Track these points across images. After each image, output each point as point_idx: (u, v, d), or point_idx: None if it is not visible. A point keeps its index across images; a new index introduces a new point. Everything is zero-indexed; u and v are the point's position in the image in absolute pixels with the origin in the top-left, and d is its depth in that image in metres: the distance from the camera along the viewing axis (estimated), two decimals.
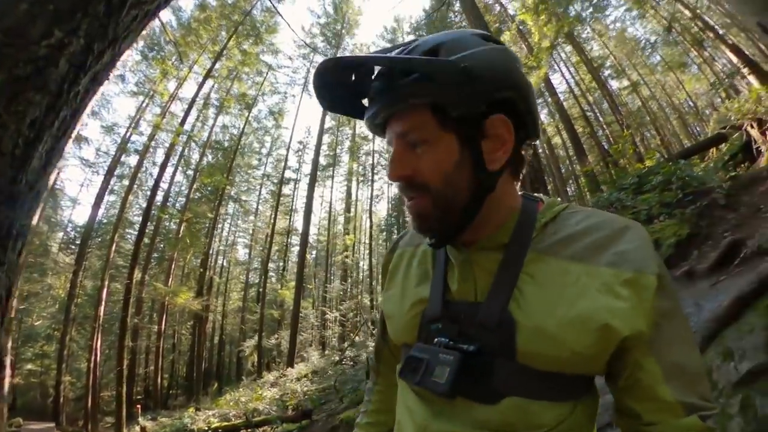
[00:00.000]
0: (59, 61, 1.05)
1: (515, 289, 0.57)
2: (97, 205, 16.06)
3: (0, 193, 0.98)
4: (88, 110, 1.28)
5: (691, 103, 23.25)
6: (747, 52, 8.09)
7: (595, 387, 0.62)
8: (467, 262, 0.62)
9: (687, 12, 15.73)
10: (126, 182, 18.59)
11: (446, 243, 0.62)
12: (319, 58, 25.12)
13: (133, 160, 18.72)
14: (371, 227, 29.95)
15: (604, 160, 16.45)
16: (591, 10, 18.34)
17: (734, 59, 14.52)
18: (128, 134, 17.92)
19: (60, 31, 1.04)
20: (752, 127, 7.62)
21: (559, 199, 0.72)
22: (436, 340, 0.59)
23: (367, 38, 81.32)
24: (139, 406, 13.93)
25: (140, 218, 16.75)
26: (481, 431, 0.56)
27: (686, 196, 4.55)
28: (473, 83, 0.53)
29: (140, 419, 12.00)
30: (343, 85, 0.62)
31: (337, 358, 14.19)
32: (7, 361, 1.31)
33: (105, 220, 21.25)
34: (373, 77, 0.61)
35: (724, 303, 2.25)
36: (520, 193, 0.65)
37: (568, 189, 22.74)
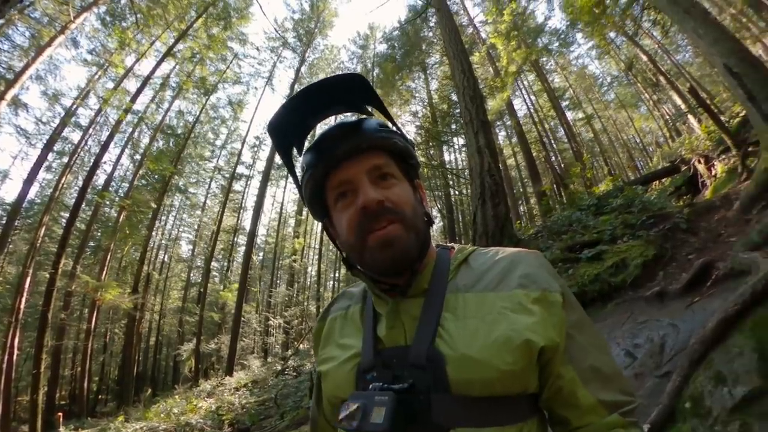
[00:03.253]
0: None
1: (439, 327, 0.60)
2: (29, 180, 13.71)
3: None
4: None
5: (637, 140, 25.07)
6: (701, 94, 8.70)
7: (540, 407, 0.64)
8: (393, 311, 0.65)
9: (644, 57, 17.00)
10: (66, 159, 16.70)
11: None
12: (288, 53, 24.54)
13: (77, 136, 16.98)
14: (322, 232, 29.00)
15: (556, 184, 17.17)
16: (558, 44, 19.30)
17: (680, 103, 15.87)
18: (75, 106, 16.15)
19: None
20: (699, 162, 8.15)
21: (469, 245, 0.76)
22: (371, 386, 0.60)
23: (339, 41, 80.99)
24: (61, 413, 12.26)
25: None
26: None
27: (648, 219, 4.64)
28: (412, 148, 0.69)
29: (61, 429, 10.58)
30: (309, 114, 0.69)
31: (279, 368, 13.52)
32: None
33: (39, 200, 19.09)
34: (341, 125, 0.66)
35: (709, 324, 2.15)
36: (434, 244, 0.73)
37: (519, 210, 23.45)
